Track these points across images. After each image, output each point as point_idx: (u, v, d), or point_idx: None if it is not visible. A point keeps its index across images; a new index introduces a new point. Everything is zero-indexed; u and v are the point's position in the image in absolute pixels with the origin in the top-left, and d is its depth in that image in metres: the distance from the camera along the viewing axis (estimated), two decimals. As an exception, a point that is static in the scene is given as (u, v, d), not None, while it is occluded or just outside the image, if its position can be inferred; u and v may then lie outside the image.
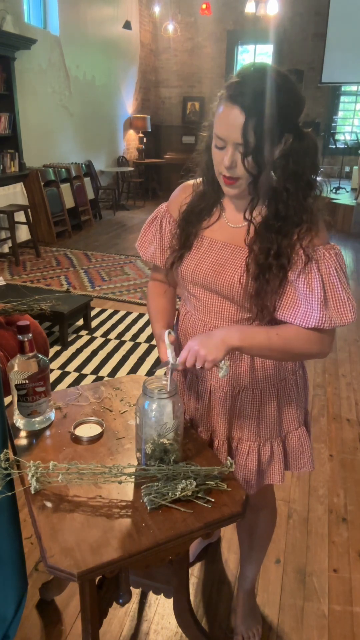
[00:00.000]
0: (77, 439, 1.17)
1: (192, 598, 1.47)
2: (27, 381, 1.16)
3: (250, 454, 1.21)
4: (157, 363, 3.13)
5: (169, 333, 1.10)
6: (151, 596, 1.61)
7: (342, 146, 8.36)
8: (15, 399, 1.19)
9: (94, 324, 3.69)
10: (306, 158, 0.99)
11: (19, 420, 1.21)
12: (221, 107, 0.96)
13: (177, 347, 1.17)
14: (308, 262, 1.00)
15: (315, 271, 1.00)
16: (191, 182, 1.19)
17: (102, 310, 3.95)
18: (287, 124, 0.96)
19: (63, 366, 3.08)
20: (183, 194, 1.19)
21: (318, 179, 1.03)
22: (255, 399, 1.18)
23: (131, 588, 1.33)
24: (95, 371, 3.04)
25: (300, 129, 0.99)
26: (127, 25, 7.40)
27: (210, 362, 1.01)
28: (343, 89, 9.00)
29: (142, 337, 3.50)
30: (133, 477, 1.04)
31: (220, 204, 1.14)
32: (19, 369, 1.16)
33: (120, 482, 1.02)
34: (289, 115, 0.96)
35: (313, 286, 1.00)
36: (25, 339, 1.15)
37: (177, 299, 1.34)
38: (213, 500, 1.00)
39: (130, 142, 8.94)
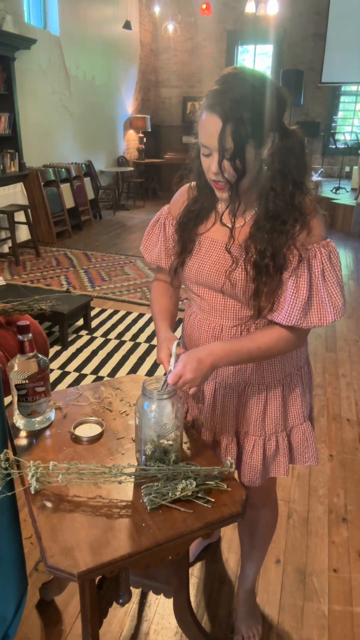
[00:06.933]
0: (77, 439, 1.17)
1: (192, 598, 1.47)
2: (27, 381, 1.16)
3: (256, 448, 1.22)
4: (157, 364, 3.13)
5: (178, 345, 1.11)
6: (151, 596, 1.61)
7: (342, 146, 8.35)
8: (15, 399, 1.19)
9: (94, 324, 3.69)
10: (291, 157, 0.99)
11: (19, 420, 1.22)
12: (203, 116, 0.97)
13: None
14: (300, 262, 1.01)
15: (306, 272, 1.02)
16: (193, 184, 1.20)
17: (102, 310, 3.95)
18: (270, 125, 0.96)
19: (63, 366, 3.08)
20: (183, 197, 1.20)
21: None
22: (261, 394, 1.19)
23: (131, 588, 1.33)
24: (95, 371, 3.04)
25: (285, 127, 0.99)
26: (127, 25, 7.40)
27: (199, 388, 1.05)
28: (343, 89, 8.99)
29: (142, 337, 3.50)
30: (133, 477, 1.04)
31: (216, 207, 1.14)
32: (19, 369, 1.16)
33: (120, 482, 1.02)
34: (270, 117, 0.96)
35: (300, 286, 1.02)
36: (25, 339, 1.15)
37: (180, 301, 1.35)
38: (213, 500, 1.01)
39: (130, 142, 8.94)
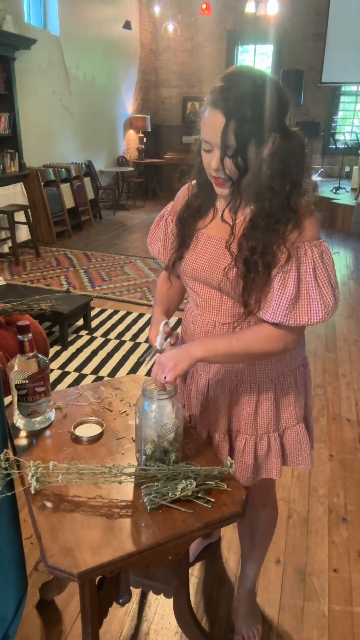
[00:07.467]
0: (77, 439, 1.17)
1: (192, 598, 1.47)
2: (27, 381, 1.16)
3: (247, 447, 1.22)
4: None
5: (165, 323, 1.16)
6: (151, 596, 1.61)
7: (342, 146, 8.35)
8: (15, 399, 1.19)
9: (94, 324, 3.69)
10: (291, 158, 1.00)
11: (19, 420, 1.22)
12: (206, 112, 0.98)
13: (179, 344, 1.23)
14: (289, 259, 1.01)
15: (294, 269, 1.02)
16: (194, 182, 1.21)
17: (102, 310, 3.95)
18: (272, 125, 0.97)
19: (63, 366, 3.08)
20: (184, 193, 1.22)
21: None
22: (253, 393, 1.19)
23: (131, 588, 1.33)
24: (95, 371, 3.04)
25: (286, 128, 1.00)
26: (127, 25, 7.40)
27: (174, 371, 1.03)
28: (343, 89, 8.99)
29: (142, 337, 3.50)
30: (133, 477, 1.04)
31: (215, 204, 1.15)
32: (19, 369, 1.16)
33: (120, 482, 1.02)
34: (273, 117, 0.96)
35: (287, 283, 1.02)
36: (25, 339, 1.15)
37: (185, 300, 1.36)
38: (213, 500, 1.00)
39: (130, 142, 8.94)
